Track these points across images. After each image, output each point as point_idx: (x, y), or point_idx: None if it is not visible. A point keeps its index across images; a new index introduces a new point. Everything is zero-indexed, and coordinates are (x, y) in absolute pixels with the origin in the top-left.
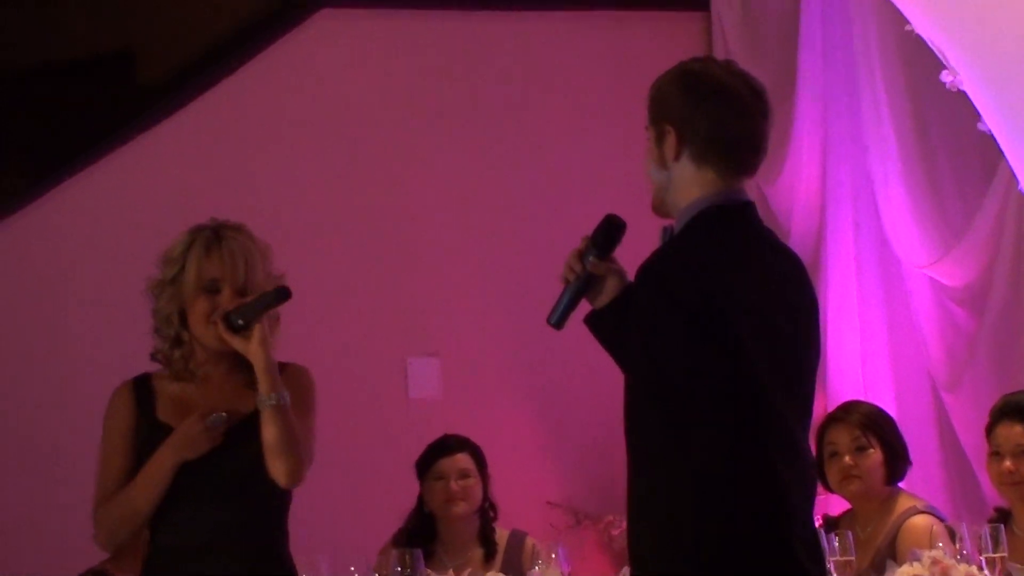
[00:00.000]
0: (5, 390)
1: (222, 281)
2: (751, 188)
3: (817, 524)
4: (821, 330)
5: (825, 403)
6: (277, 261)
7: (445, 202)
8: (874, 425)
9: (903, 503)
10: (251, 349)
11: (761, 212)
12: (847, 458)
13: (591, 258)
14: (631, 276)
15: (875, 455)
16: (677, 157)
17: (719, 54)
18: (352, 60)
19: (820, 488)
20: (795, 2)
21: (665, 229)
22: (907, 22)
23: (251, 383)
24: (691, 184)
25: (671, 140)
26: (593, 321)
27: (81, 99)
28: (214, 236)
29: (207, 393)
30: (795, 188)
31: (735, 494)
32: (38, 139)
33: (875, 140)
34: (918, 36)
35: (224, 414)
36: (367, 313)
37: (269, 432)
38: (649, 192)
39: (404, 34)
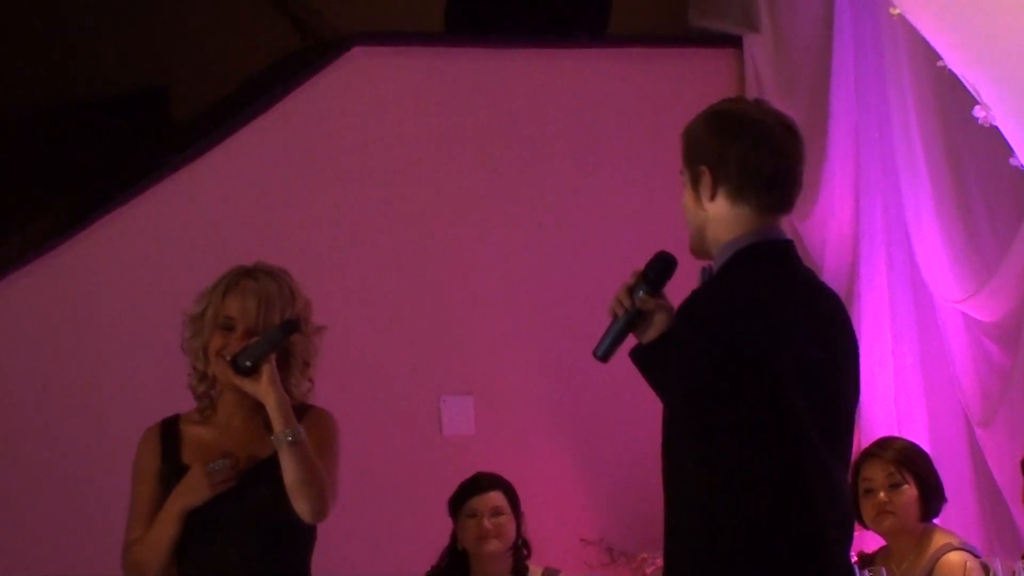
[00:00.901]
0: (40, 425)
1: (236, 320)
2: (784, 224)
3: (852, 560)
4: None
5: (859, 439)
6: (310, 298)
7: (478, 240)
8: (909, 461)
9: (938, 539)
10: (260, 390)
11: None
12: (882, 494)
13: (641, 293)
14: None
15: (910, 491)
16: (713, 197)
17: (751, 90)
18: (384, 97)
19: (855, 524)
20: (827, 38)
21: (704, 270)
22: (939, 58)
23: (270, 426)
24: (728, 223)
25: (706, 180)
26: (639, 356)
27: (116, 137)
28: (239, 276)
29: (229, 436)
30: (828, 224)
31: (772, 532)
32: (73, 177)
33: (908, 175)
34: (951, 72)
35: (227, 460)
36: (401, 352)
37: (289, 469)
38: (683, 228)
39: (436, 72)
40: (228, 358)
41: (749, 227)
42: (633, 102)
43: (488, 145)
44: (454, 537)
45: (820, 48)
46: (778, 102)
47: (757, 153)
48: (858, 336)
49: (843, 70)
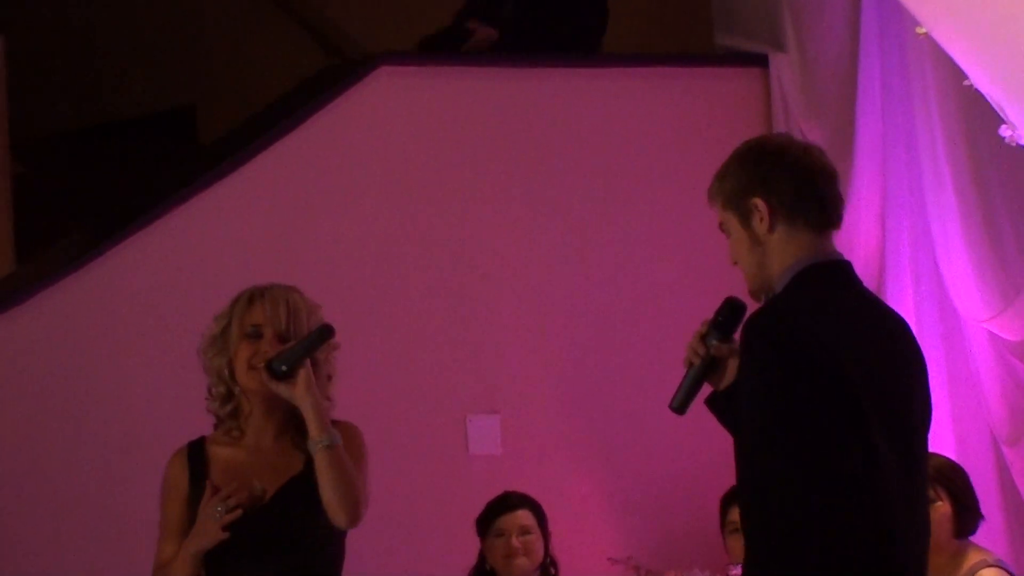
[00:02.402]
0: (67, 439)
1: (264, 326)
2: None
3: None
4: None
5: None
6: (337, 317)
7: (505, 259)
8: (942, 478)
9: (973, 556)
10: (296, 394)
11: None
12: None
13: (714, 341)
14: None
15: (943, 508)
16: (772, 228)
17: (777, 109)
18: (411, 117)
19: None
20: (853, 56)
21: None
22: (966, 77)
23: (299, 443)
24: (787, 249)
25: (760, 211)
26: (716, 403)
27: (144, 156)
28: (262, 288)
29: (257, 459)
30: (854, 242)
31: (851, 553)
32: (101, 196)
33: (934, 194)
34: (977, 91)
35: (222, 507)
36: (428, 370)
37: (325, 474)
38: (710, 247)
39: (462, 92)
40: (262, 363)
41: (807, 249)
42: (660, 121)
43: (515, 165)
44: (482, 556)
45: (846, 66)
46: (804, 120)
47: (803, 172)
48: None
49: (869, 88)
